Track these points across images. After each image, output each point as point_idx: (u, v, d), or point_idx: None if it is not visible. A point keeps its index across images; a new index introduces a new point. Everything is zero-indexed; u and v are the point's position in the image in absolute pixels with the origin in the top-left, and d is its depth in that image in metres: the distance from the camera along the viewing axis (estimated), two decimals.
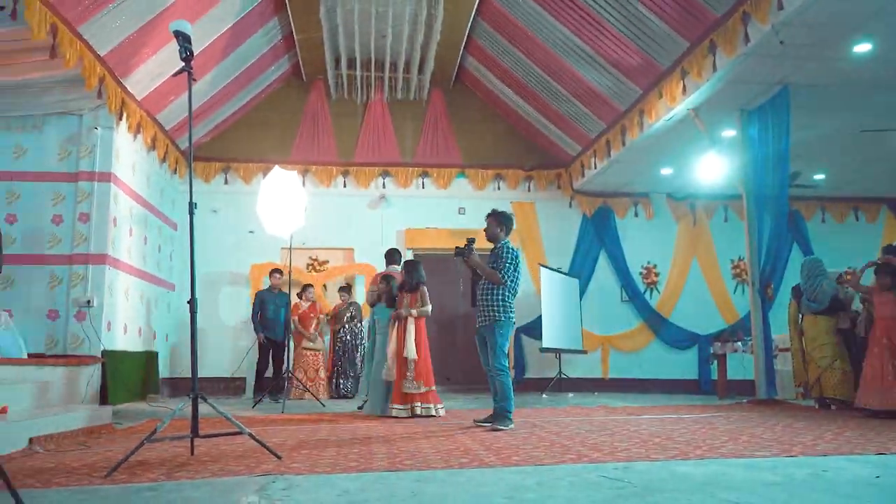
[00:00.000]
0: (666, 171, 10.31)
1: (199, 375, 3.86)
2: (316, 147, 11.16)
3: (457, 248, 5.57)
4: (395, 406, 6.28)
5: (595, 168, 10.36)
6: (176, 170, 10.33)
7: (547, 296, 10.06)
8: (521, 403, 8.18)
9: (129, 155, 8.40)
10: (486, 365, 5.56)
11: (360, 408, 7.27)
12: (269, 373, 9.14)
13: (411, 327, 6.39)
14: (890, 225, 12.05)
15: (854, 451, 3.86)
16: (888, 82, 7.06)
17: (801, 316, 7.60)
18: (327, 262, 10.93)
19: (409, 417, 6.18)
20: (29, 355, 6.43)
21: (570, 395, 9.98)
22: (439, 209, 11.23)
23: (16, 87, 6.96)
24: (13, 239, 7.46)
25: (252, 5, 8.50)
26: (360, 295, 10.54)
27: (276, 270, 9.39)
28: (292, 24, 9.43)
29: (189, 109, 4.05)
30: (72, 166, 7.74)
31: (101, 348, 7.42)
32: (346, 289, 10.24)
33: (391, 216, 11.08)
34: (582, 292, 11.23)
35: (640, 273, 11.60)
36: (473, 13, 9.24)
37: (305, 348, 9.52)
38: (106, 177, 7.78)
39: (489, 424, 5.28)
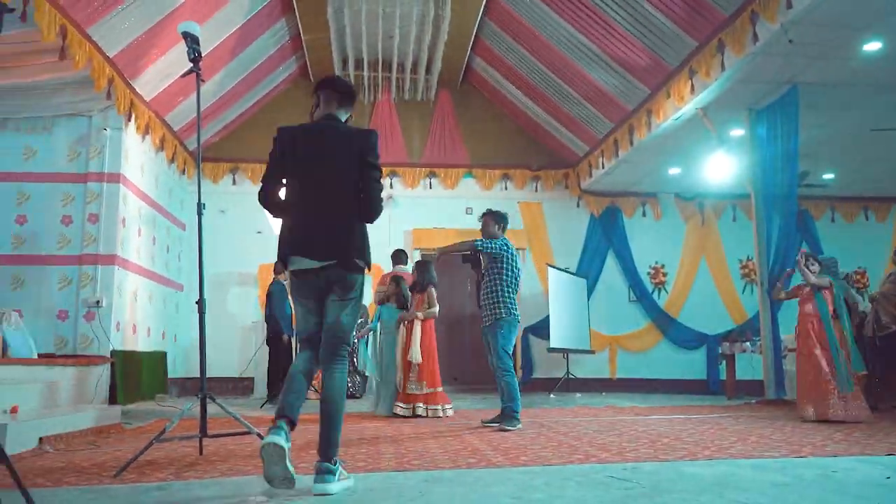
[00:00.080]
0: (674, 171, 10.27)
1: (207, 375, 3.88)
2: None
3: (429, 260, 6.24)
4: (399, 404, 6.35)
5: (603, 168, 10.34)
6: (184, 170, 10.37)
7: (554, 296, 10.05)
8: (529, 403, 8.17)
9: (137, 156, 8.44)
10: (492, 365, 5.56)
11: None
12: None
13: (417, 330, 6.40)
14: None
15: (864, 452, 3.83)
16: None
17: None
18: None
19: (411, 417, 6.20)
20: (39, 355, 6.47)
21: (578, 395, 9.96)
22: (447, 209, 11.24)
23: (25, 88, 7.00)
24: (23, 240, 7.52)
25: (260, 6, 8.52)
26: (367, 295, 10.55)
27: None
28: (300, 25, 9.45)
29: (197, 110, 4.06)
30: (81, 167, 7.78)
31: (111, 348, 7.46)
32: None
33: (399, 216, 11.08)
34: (590, 292, 11.20)
35: (648, 273, 11.56)
36: (481, 13, 9.24)
37: None
38: (115, 178, 7.82)
39: (496, 425, 5.27)
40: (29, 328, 6.47)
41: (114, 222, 7.74)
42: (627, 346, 11.31)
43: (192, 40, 3.86)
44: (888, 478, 3.10)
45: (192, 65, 3.89)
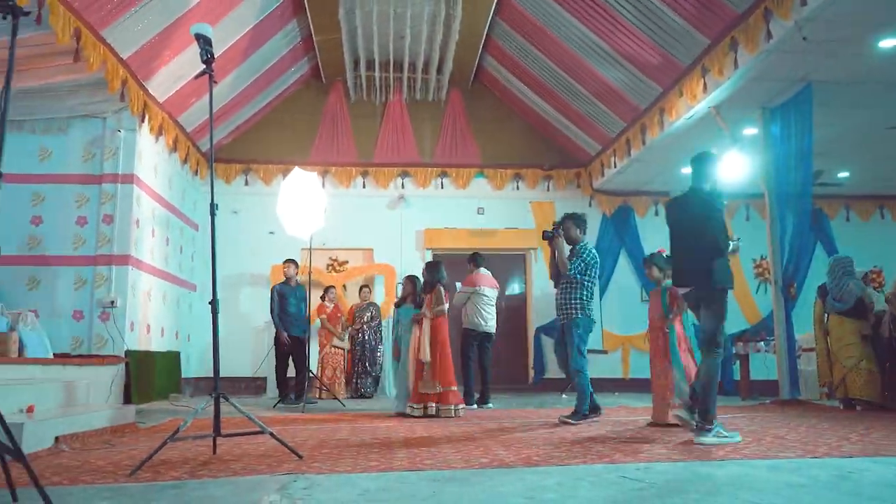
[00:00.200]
0: (687, 170, 10.15)
1: (220, 375, 3.89)
2: (335, 148, 11.21)
3: (544, 231, 5.90)
4: (411, 404, 6.37)
5: (615, 167, 10.30)
6: (197, 171, 10.43)
7: None
8: (541, 404, 8.16)
9: (151, 157, 8.50)
10: (558, 356, 5.74)
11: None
12: (290, 372, 9.14)
13: (426, 328, 6.43)
14: None
15: (880, 453, 3.79)
16: None
17: (826, 315, 7.49)
18: (347, 262, 10.97)
19: (422, 417, 6.21)
20: (55, 355, 6.54)
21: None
22: (458, 209, 11.24)
23: (40, 90, 7.06)
24: (38, 240, 7.59)
25: (272, 8, 8.56)
26: (379, 296, 10.57)
27: (290, 261, 8.88)
28: (311, 27, 9.48)
29: (210, 111, 4.08)
30: (95, 168, 7.85)
31: (125, 348, 7.52)
32: (366, 289, 10.27)
33: (410, 216, 11.10)
34: (602, 292, 11.14)
35: None
36: (492, 13, 9.23)
37: (335, 346, 9.64)
38: (129, 178, 7.88)
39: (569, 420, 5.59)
40: (45, 328, 6.54)
41: (128, 223, 7.80)
42: (640, 345, 11.24)
43: (204, 42, 3.87)
44: None
45: (204, 66, 3.90)
